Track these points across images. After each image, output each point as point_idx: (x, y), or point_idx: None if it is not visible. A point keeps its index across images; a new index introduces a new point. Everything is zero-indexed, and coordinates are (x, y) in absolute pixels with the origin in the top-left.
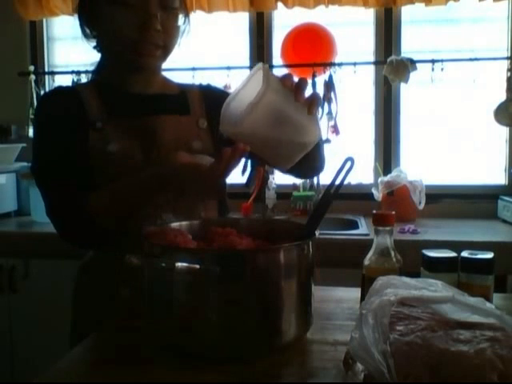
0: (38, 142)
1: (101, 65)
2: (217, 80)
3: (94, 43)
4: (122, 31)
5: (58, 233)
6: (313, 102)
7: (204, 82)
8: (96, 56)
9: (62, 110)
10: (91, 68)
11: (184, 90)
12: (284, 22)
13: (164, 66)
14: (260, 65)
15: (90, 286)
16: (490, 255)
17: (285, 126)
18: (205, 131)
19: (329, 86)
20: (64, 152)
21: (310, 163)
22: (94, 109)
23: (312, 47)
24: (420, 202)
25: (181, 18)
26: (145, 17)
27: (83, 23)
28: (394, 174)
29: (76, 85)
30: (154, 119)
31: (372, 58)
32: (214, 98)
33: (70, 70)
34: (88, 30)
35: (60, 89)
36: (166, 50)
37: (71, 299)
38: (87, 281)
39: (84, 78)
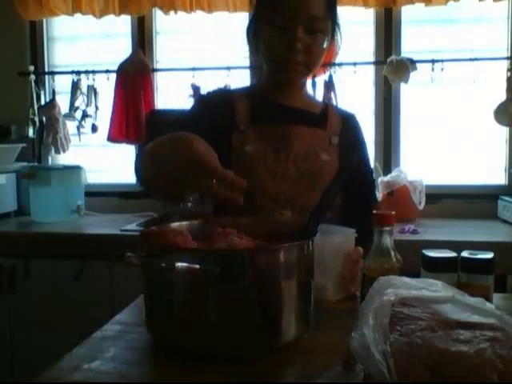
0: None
1: (260, 78)
2: (217, 80)
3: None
4: (272, 50)
5: None
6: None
7: (351, 111)
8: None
9: (216, 109)
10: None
11: (327, 110)
12: None
13: (163, 66)
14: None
15: None
16: (489, 255)
17: (321, 265)
18: (334, 147)
19: (329, 85)
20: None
21: None
22: (242, 113)
23: None
24: (420, 202)
25: (327, 40)
26: (291, 39)
27: (249, 41)
28: (394, 173)
29: (234, 90)
30: (290, 128)
31: (372, 58)
32: (351, 127)
33: (69, 70)
34: (252, 47)
35: (221, 91)
36: (309, 68)
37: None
38: None
39: (84, 78)
